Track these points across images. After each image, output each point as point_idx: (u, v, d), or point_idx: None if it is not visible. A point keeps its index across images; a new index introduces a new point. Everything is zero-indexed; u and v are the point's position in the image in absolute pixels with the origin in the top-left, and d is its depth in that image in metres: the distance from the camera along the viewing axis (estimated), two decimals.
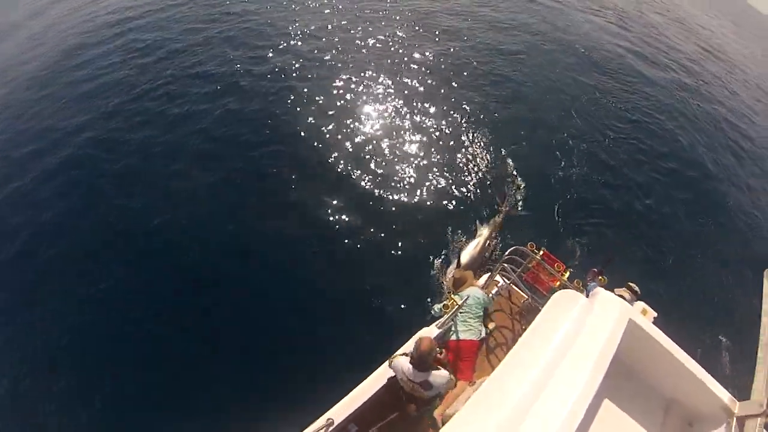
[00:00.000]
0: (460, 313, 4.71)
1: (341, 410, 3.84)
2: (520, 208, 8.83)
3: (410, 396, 3.87)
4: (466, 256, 7.21)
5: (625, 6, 26.22)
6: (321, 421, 3.66)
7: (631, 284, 5.02)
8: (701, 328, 7.65)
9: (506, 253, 5.45)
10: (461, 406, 3.02)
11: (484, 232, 7.81)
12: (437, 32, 15.42)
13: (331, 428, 3.61)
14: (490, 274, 5.82)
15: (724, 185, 11.74)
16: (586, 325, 3.14)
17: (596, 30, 19.88)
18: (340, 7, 16.47)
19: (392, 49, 13.87)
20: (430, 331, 4.48)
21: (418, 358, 3.62)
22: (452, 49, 14.38)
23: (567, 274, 5.56)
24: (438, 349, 3.84)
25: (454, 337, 4.70)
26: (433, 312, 5.38)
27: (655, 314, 4.41)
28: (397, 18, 16.05)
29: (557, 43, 16.81)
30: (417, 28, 15.46)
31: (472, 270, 6.33)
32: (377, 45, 13.92)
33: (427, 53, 13.78)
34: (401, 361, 3.78)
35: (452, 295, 4.86)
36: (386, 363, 4.09)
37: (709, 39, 27.89)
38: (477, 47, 14.94)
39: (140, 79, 12.15)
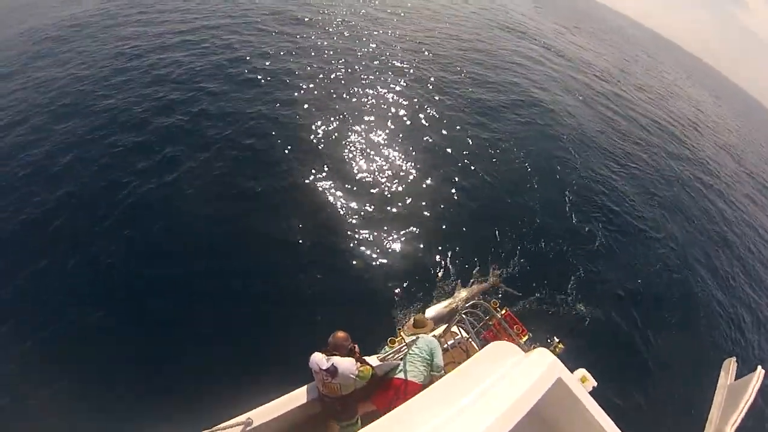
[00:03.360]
0: (410, 354, 4.69)
1: (263, 414, 3.75)
2: (509, 287, 8.62)
3: (330, 408, 3.85)
4: (432, 311, 7.16)
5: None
6: (241, 419, 3.59)
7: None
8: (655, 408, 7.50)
9: (467, 305, 5.50)
10: None
11: (461, 294, 7.77)
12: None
13: (248, 428, 3.56)
14: (447, 324, 5.82)
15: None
16: (512, 375, 3.18)
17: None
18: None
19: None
20: (371, 360, 4.36)
21: (332, 345, 3.80)
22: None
23: (525, 338, 5.55)
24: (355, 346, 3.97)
25: (401, 376, 4.58)
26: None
27: (595, 383, 4.34)
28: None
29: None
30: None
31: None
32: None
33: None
34: (315, 354, 3.85)
35: (401, 332, 4.88)
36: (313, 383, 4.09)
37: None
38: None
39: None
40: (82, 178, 9.23)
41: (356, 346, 4.04)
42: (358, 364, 3.80)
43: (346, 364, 3.71)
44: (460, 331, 5.90)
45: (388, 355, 4.48)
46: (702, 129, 31.46)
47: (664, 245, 12.56)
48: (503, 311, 5.60)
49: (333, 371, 3.68)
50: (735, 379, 3.36)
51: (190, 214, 8.47)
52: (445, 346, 5.53)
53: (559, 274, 9.53)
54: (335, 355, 3.78)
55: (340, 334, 3.93)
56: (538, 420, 3.11)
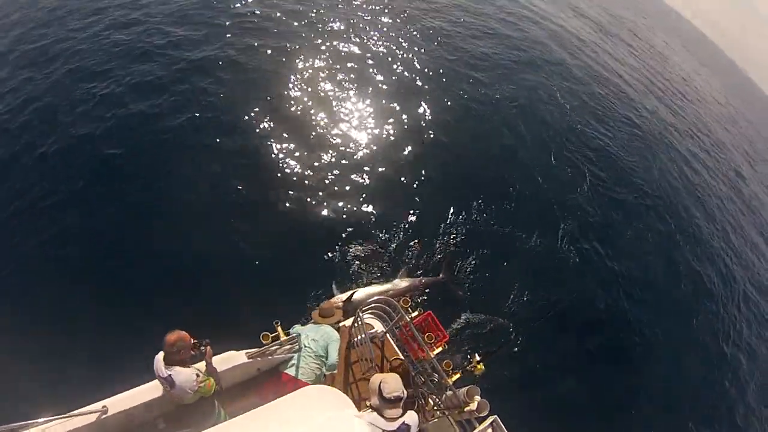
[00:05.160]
0: (305, 347, 4.41)
1: (119, 402, 3.61)
2: (456, 286, 7.90)
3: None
4: (361, 293, 6.50)
5: None
6: (96, 406, 3.49)
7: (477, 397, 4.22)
8: None
9: (371, 300, 4.83)
10: None
11: (400, 284, 7.14)
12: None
13: (103, 416, 3.46)
14: (353, 318, 5.09)
15: None
16: None
17: None
18: None
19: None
20: (238, 357, 4.13)
21: (167, 352, 3.30)
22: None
23: (438, 350, 5.01)
24: (197, 342, 3.50)
25: (292, 371, 4.35)
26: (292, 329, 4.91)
27: None
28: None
29: None
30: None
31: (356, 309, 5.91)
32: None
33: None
34: (159, 354, 3.38)
35: (278, 326, 4.55)
36: None
37: None
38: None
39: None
40: None
41: (208, 346, 3.55)
42: (200, 377, 3.37)
43: (183, 377, 3.28)
44: (374, 324, 5.26)
45: (263, 350, 4.13)
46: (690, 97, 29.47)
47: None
48: (416, 313, 5.03)
49: (171, 382, 3.30)
50: None
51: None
52: (355, 340, 4.90)
53: (510, 282, 8.58)
54: (175, 362, 3.29)
55: (170, 337, 3.27)
56: None
